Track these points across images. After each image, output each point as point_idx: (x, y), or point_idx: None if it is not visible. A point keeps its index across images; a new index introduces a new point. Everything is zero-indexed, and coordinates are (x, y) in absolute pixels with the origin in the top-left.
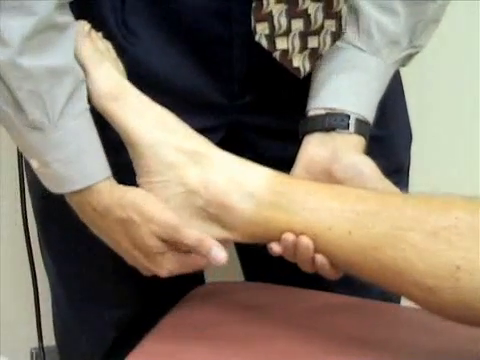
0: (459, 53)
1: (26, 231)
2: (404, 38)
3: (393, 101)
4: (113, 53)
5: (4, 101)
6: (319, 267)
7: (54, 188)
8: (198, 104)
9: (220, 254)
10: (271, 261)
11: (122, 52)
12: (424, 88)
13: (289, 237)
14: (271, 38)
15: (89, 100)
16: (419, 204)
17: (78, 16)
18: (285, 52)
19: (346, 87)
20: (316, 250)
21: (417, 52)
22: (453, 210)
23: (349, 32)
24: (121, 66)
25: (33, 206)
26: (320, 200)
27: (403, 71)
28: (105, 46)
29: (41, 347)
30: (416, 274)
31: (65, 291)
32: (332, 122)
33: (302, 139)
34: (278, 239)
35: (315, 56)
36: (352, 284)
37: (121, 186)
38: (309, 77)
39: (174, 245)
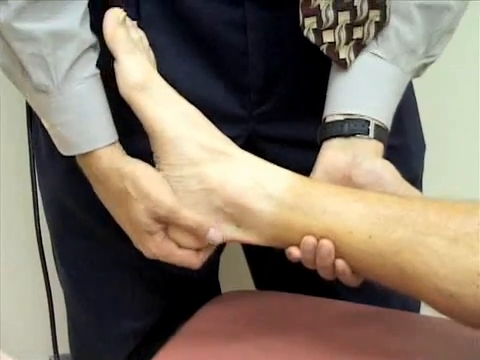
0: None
1: (40, 242)
2: (420, 47)
3: (407, 110)
4: (146, 43)
5: (11, 62)
6: (340, 273)
7: (62, 150)
8: (215, 114)
9: (216, 234)
10: (281, 270)
11: None
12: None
13: (310, 240)
14: (318, 32)
15: (118, 89)
16: (441, 209)
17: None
18: (332, 45)
19: (365, 93)
20: (336, 254)
21: (432, 62)
22: (476, 216)
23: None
24: (152, 56)
25: (48, 220)
26: (341, 203)
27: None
28: (138, 35)
29: (56, 357)
30: (437, 280)
31: (82, 303)
32: (352, 127)
33: (320, 145)
34: (297, 243)
35: (359, 46)
36: (367, 293)
37: (125, 156)
38: (326, 84)
39: (166, 227)
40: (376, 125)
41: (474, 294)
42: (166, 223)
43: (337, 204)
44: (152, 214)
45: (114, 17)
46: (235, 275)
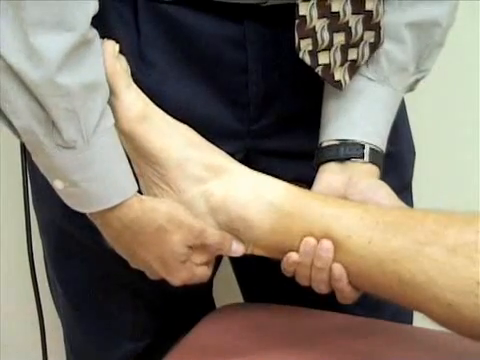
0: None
1: (32, 265)
2: (411, 64)
3: (400, 118)
4: (128, 68)
5: (35, 121)
6: (336, 278)
7: (82, 207)
8: (214, 131)
9: (240, 247)
10: (270, 284)
11: (136, 82)
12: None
13: (310, 240)
14: (314, 54)
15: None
16: (440, 219)
17: None
18: (327, 66)
19: (359, 118)
20: (335, 260)
21: (423, 76)
22: (474, 225)
23: None
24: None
25: (45, 244)
26: (340, 208)
27: None
28: (125, 62)
29: None
30: (435, 288)
31: (82, 327)
32: (347, 152)
33: (317, 169)
34: (297, 249)
35: (354, 68)
36: (359, 303)
37: (147, 197)
38: (321, 97)
39: (194, 253)
40: (371, 149)
41: (473, 304)
42: (193, 249)
43: (336, 208)
44: (187, 242)
45: (111, 50)
46: (227, 289)
